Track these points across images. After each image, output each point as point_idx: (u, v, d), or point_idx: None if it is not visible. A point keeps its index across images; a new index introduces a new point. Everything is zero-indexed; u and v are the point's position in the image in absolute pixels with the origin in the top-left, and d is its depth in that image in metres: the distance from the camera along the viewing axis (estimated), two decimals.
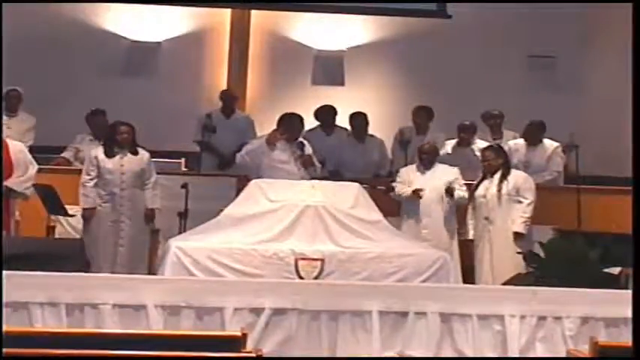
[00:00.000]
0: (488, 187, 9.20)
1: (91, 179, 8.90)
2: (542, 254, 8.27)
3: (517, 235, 9.01)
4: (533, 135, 10.37)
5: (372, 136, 10.92)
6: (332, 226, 8.13)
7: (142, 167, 8.98)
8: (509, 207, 9.10)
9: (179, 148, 11.00)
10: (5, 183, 8.56)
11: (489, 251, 9.05)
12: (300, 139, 9.28)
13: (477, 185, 9.30)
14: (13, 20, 11.03)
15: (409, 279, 7.87)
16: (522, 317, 6.88)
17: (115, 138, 8.97)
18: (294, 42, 12.71)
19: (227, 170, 10.54)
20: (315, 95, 12.06)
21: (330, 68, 12.71)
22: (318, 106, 11.12)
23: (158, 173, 9.18)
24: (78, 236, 9.09)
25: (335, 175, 10.09)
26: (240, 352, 5.03)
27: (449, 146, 10.68)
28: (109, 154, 8.94)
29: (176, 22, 12.58)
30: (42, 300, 6.49)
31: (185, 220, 8.92)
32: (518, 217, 9.05)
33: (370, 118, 10.91)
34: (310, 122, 10.60)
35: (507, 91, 12.17)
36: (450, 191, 9.24)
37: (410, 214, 9.30)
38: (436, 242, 9.06)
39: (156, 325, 6.52)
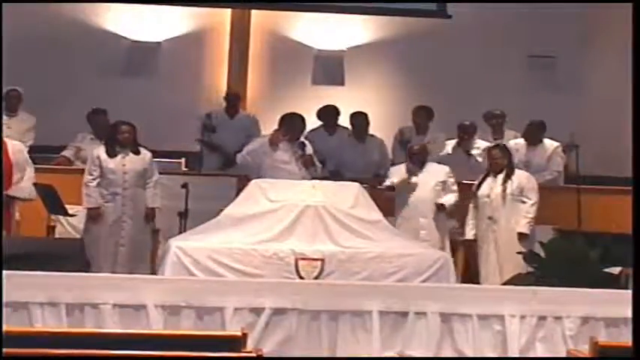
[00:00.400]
0: (492, 187, 9.19)
1: (94, 179, 8.90)
2: (542, 254, 8.27)
3: (521, 236, 9.02)
4: (534, 135, 10.37)
5: (372, 136, 10.92)
6: (332, 226, 8.13)
7: (144, 167, 8.99)
8: (513, 207, 9.11)
9: (179, 148, 11.00)
10: (9, 192, 8.59)
11: (495, 250, 9.05)
12: (302, 139, 9.28)
13: (480, 184, 9.29)
14: (13, 20, 11.03)
15: (409, 279, 7.88)
16: (522, 317, 6.89)
17: (117, 138, 8.97)
18: (295, 42, 12.71)
19: (231, 170, 10.54)
20: (316, 95, 12.06)
21: (330, 68, 12.71)
22: (318, 106, 11.12)
23: (159, 173, 9.18)
24: (78, 236, 9.09)
25: (335, 175, 10.09)
26: (240, 352, 5.03)
27: (449, 146, 10.68)
28: (111, 153, 8.94)
29: (176, 22, 12.58)
30: (42, 300, 6.48)
31: (185, 220, 8.92)
32: (522, 218, 9.06)
33: (370, 118, 10.91)
34: (311, 122, 10.59)
35: (507, 91, 12.16)
36: (441, 208, 9.25)
37: (406, 214, 9.27)
38: (434, 242, 9.06)
39: (156, 325, 6.52)
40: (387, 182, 9.36)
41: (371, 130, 10.92)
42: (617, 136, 11.19)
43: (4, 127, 9.66)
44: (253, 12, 12.59)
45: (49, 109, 10.98)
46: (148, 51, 12.48)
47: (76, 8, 12.30)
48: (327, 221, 8.14)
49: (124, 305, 6.57)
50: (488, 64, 12.46)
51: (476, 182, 9.39)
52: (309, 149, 9.25)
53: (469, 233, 9.29)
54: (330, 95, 11.89)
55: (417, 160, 9.44)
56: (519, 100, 11.90)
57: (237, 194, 8.72)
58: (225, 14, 12.60)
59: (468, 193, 9.51)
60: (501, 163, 9.28)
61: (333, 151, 10.48)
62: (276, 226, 8.08)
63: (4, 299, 6.17)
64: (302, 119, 9.41)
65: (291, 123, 9.27)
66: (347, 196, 8.38)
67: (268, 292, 6.77)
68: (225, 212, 8.31)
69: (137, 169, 8.94)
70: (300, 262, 7.85)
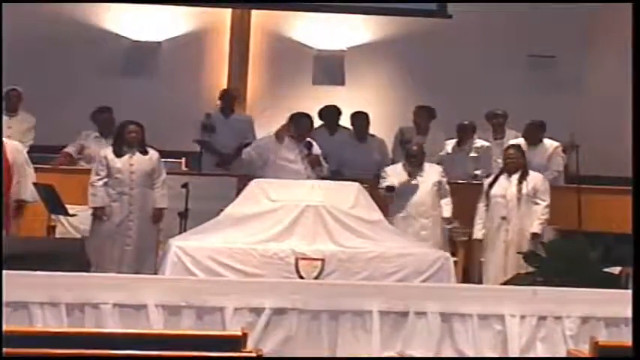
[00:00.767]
0: (506, 187, 9.17)
1: (100, 179, 8.89)
2: (542, 254, 8.27)
3: (534, 236, 9.04)
4: (534, 135, 10.37)
5: (373, 135, 10.92)
6: (332, 225, 8.13)
7: (152, 167, 8.97)
8: (527, 208, 9.10)
9: (179, 148, 11.00)
10: (18, 197, 8.62)
11: (504, 251, 9.03)
12: (309, 139, 9.27)
13: (492, 184, 9.26)
14: (13, 20, 11.03)
15: (409, 279, 7.88)
16: (523, 317, 6.88)
17: (124, 137, 8.96)
18: (295, 42, 12.71)
19: (226, 169, 10.55)
20: (316, 95, 12.07)
21: (330, 68, 12.71)
22: (319, 106, 11.11)
23: None
24: (79, 236, 9.09)
25: (336, 175, 10.08)
26: (240, 351, 5.03)
27: (449, 146, 10.68)
28: (119, 153, 8.94)
29: (176, 22, 12.58)
30: (42, 300, 6.48)
31: (185, 220, 8.92)
32: (536, 219, 9.07)
33: (370, 117, 10.91)
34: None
35: (507, 90, 12.16)
36: (446, 221, 9.32)
37: (407, 215, 9.25)
38: (435, 242, 9.06)
39: (156, 324, 6.52)
40: (387, 182, 9.30)
41: (371, 130, 10.92)
42: (617, 136, 11.19)
43: (4, 127, 9.66)
44: (253, 12, 12.59)
45: (49, 109, 10.98)
46: (148, 51, 12.49)
47: (76, 8, 12.31)
48: (328, 221, 8.13)
49: (124, 305, 6.57)
50: (489, 64, 12.47)
51: (487, 182, 9.36)
52: (316, 149, 9.24)
53: (478, 233, 9.26)
54: (331, 95, 11.89)
55: (415, 161, 9.42)
56: (519, 100, 11.90)
57: (237, 194, 8.72)
58: (226, 14, 12.60)
59: (468, 193, 9.51)
60: (517, 163, 9.27)
61: (334, 150, 10.47)
62: (276, 226, 8.08)
63: (4, 299, 6.17)
64: (310, 119, 9.43)
65: (300, 122, 9.27)
66: (347, 196, 8.38)
67: (268, 292, 6.76)
68: (225, 212, 8.31)
69: (144, 169, 8.93)
70: (301, 262, 7.84)
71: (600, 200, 10.03)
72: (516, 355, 6.81)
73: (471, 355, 6.82)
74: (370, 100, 12.24)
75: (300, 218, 8.13)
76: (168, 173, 9.37)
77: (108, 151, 8.99)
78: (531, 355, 6.85)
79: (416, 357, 6.78)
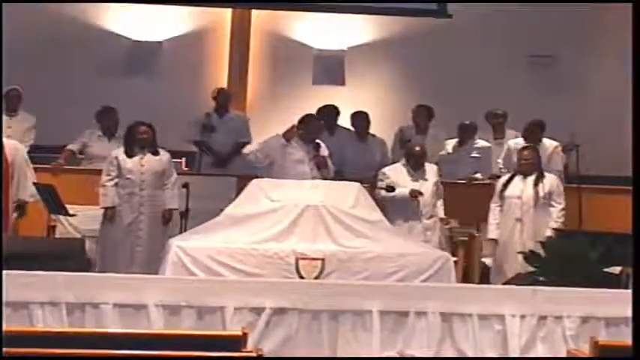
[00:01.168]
0: (523, 189, 9.14)
1: (111, 179, 8.89)
2: (543, 254, 8.27)
3: (549, 239, 9.01)
4: (533, 134, 10.35)
5: (373, 135, 10.92)
6: (332, 225, 8.12)
7: (162, 167, 8.97)
8: (542, 210, 9.09)
9: (179, 147, 11.00)
10: (18, 197, 8.63)
11: (514, 254, 9.00)
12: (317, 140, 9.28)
13: (506, 185, 9.22)
14: (13, 20, 11.03)
15: (410, 278, 7.87)
16: (523, 317, 6.88)
17: (135, 138, 8.96)
18: (295, 42, 12.71)
19: (223, 169, 10.55)
20: (316, 95, 12.06)
21: (330, 68, 12.71)
22: (319, 106, 11.10)
23: None
24: (79, 236, 9.10)
25: (337, 175, 10.07)
26: (240, 351, 5.03)
27: (449, 146, 10.69)
28: (129, 154, 8.94)
29: (177, 22, 12.58)
30: (42, 300, 6.48)
31: (186, 220, 8.92)
32: (552, 222, 9.06)
33: (371, 117, 10.91)
34: None
35: (507, 90, 12.16)
36: (443, 221, 9.30)
37: (410, 216, 9.24)
38: (436, 242, 9.05)
39: (156, 324, 6.52)
40: (386, 182, 9.26)
41: (371, 130, 10.92)
42: (617, 136, 11.19)
43: (4, 127, 9.66)
44: (253, 12, 12.59)
45: (49, 109, 10.98)
46: (148, 51, 12.49)
47: (77, 8, 12.31)
48: (328, 221, 8.13)
49: (124, 305, 6.57)
50: (489, 64, 12.46)
51: (500, 182, 9.33)
52: (323, 150, 9.23)
53: (493, 233, 9.22)
54: (331, 95, 11.89)
55: (417, 162, 9.38)
56: (519, 99, 11.90)
57: (237, 194, 8.72)
58: (226, 14, 12.60)
59: (468, 193, 9.51)
60: (532, 164, 9.24)
61: (335, 150, 10.47)
62: (276, 226, 8.08)
63: (4, 299, 6.16)
64: (320, 121, 9.43)
65: (311, 123, 9.28)
66: (347, 196, 8.37)
67: (269, 292, 6.76)
68: (225, 212, 8.31)
69: (155, 170, 8.93)
70: (301, 262, 7.84)
71: (600, 200, 10.04)
72: (516, 355, 6.81)
73: (471, 354, 6.83)
74: (370, 100, 12.23)
75: (301, 218, 8.12)
76: None
77: (119, 152, 9.00)
78: (531, 355, 6.85)
79: (416, 357, 6.78)
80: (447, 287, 7.57)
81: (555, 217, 9.11)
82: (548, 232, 9.03)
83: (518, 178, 9.22)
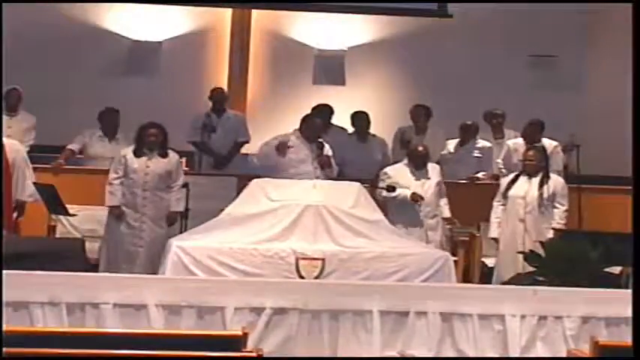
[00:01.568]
0: (528, 190, 9.12)
1: (118, 178, 8.88)
2: (543, 254, 8.27)
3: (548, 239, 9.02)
4: (532, 134, 10.35)
5: (374, 135, 10.91)
6: (333, 225, 8.13)
7: (168, 169, 8.93)
8: (546, 211, 9.07)
9: (179, 147, 10.99)
10: (17, 197, 8.63)
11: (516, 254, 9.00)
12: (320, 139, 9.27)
13: (510, 185, 9.21)
14: (13, 20, 11.02)
15: (410, 278, 7.87)
16: (523, 317, 6.89)
17: (144, 139, 8.95)
18: (295, 42, 12.71)
19: (223, 169, 10.55)
20: (316, 95, 12.03)
21: (330, 68, 12.70)
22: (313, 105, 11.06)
23: None
24: (79, 236, 9.10)
25: (337, 175, 10.06)
26: (241, 351, 5.04)
27: (450, 145, 10.69)
28: (137, 154, 8.94)
29: (177, 22, 12.58)
30: (43, 299, 6.49)
31: (186, 220, 8.91)
32: (555, 223, 9.05)
33: (371, 117, 10.90)
34: None
35: (508, 90, 12.16)
36: (448, 220, 9.32)
37: (413, 216, 9.23)
38: (437, 242, 9.05)
39: (157, 324, 6.53)
40: (387, 182, 9.25)
41: (371, 130, 10.91)
42: (617, 135, 11.19)
43: (4, 127, 9.66)
44: (254, 12, 12.58)
45: (50, 109, 10.98)
46: (148, 50, 12.48)
47: (77, 8, 12.29)
48: (328, 221, 8.13)
49: (124, 305, 6.58)
50: (489, 63, 12.46)
51: (505, 181, 9.31)
52: (327, 150, 9.21)
53: (494, 232, 9.20)
54: (331, 95, 11.88)
55: (421, 162, 9.38)
56: (519, 99, 11.90)
57: (237, 194, 8.72)
58: (226, 14, 12.60)
59: (469, 193, 9.51)
60: (537, 165, 9.22)
61: (335, 150, 10.45)
62: (276, 226, 8.08)
63: (4, 299, 6.16)
64: (321, 120, 9.39)
65: (311, 123, 9.28)
66: (347, 196, 8.38)
67: (269, 292, 6.77)
68: (225, 212, 8.31)
69: (159, 172, 8.89)
70: (301, 262, 7.85)
71: (600, 200, 10.03)
72: (517, 355, 6.81)
73: (472, 354, 6.83)
74: (370, 100, 12.23)
75: (301, 218, 8.12)
76: None
77: (128, 151, 9.00)
78: (532, 354, 6.86)
79: (416, 357, 6.79)
80: (447, 287, 7.57)
81: (558, 218, 9.10)
82: (551, 234, 9.01)
83: (523, 179, 9.20)
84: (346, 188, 8.51)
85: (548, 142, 10.35)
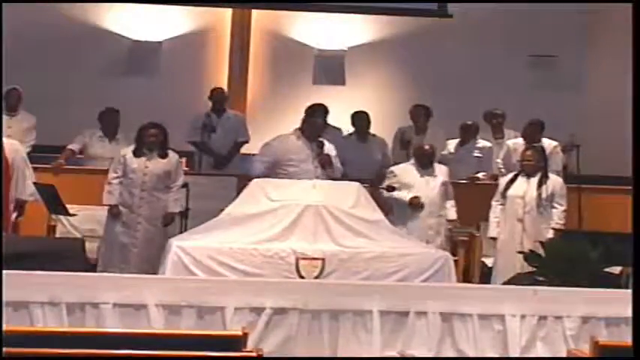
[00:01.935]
0: (526, 190, 9.11)
1: (117, 177, 8.89)
2: (543, 254, 8.27)
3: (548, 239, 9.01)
4: (532, 134, 10.35)
5: (374, 135, 10.90)
6: (333, 225, 8.12)
7: (167, 170, 8.92)
8: (545, 211, 9.06)
9: (179, 147, 10.99)
10: (17, 196, 8.63)
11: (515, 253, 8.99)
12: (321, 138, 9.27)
13: (509, 185, 9.20)
14: (13, 20, 11.02)
15: (410, 278, 7.87)
16: (523, 317, 6.89)
17: (144, 140, 8.95)
18: (295, 41, 12.71)
19: (223, 169, 10.55)
20: (316, 95, 12.02)
21: (330, 68, 12.71)
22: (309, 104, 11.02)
23: None
24: (79, 236, 9.10)
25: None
26: (241, 351, 5.04)
27: (451, 145, 10.69)
28: (137, 154, 8.94)
29: (177, 22, 12.58)
30: (42, 299, 6.48)
31: (186, 220, 8.91)
32: (554, 223, 9.04)
33: (371, 117, 10.89)
34: None
35: (508, 90, 12.16)
36: (452, 222, 9.31)
37: (415, 215, 9.23)
38: (438, 242, 9.05)
39: (157, 324, 6.52)
40: (388, 182, 9.24)
41: (371, 130, 10.90)
42: (617, 135, 11.19)
43: (4, 127, 9.66)
44: (253, 12, 12.59)
45: (50, 109, 10.98)
46: (148, 50, 12.49)
47: (77, 8, 12.30)
48: (328, 221, 8.13)
49: (124, 305, 6.58)
50: (489, 63, 12.46)
51: (504, 180, 9.30)
52: (328, 149, 9.20)
53: (493, 231, 9.19)
54: (331, 95, 11.87)
55: (427, 161, 9.37)
56: (519, 99, 11.90)
57: (237, 194, 8.72)
58: (226, 14, 12.60)
59: (469, 193, 9.50)
60: (535, 165, 9.21)
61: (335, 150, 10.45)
62: (276, 226, 8.08)
63: (4, 299, 6.16)
64: (322, 119, 9.41)
65: (311, 122, 9.29)
66: (347, 196, 8.37)
67: (269, 292, 6.77)
68: (225, 212, 8.31)
69: (158, 173, 8.89)
70: (301, 262, 7.84)
71: (600, 200, 10.03)
72: (517, 355, 6.81)
73: (472, 354, 6.83)
74: (370, 100, 12.23)
75: (301, 218, 8.12)
76: None
77: (128, 150, 9.00)
78: (532, 354, 6.86)
79: (416, 357, 6.78)
80: (447, 287, 7.57)
81: (557, 218, 9.09)
82: (550, 234, 9.00)
83: (522, 179, 9.19)
84: (346, 188, 8.51)
85: (548, 142, 10.35)
